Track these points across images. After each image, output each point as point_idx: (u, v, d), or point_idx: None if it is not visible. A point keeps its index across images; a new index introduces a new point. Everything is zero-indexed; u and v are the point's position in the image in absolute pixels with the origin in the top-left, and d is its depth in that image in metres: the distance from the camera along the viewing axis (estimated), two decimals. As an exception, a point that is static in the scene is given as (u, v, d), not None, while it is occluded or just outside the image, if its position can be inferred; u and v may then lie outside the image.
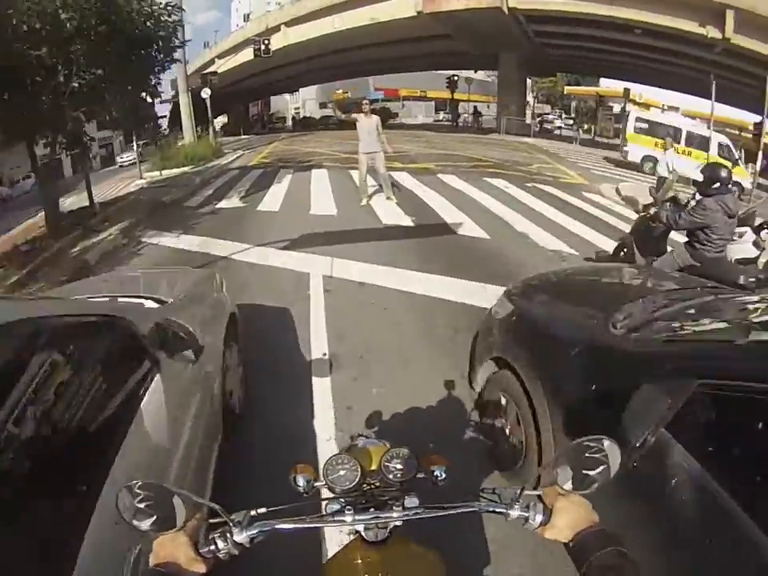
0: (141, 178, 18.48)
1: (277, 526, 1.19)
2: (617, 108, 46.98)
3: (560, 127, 47.91)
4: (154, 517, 1.09)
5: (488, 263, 7.25)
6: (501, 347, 3.42)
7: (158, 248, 8.71)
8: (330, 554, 2.09)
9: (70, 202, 15.28)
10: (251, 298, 5.86)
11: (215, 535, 1.15)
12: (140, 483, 1.10)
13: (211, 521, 1.19)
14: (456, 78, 41.38)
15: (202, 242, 8.60)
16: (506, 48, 34.70)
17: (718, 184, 5.26)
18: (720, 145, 20.36)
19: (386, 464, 1.30)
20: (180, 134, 25.36)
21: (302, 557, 2.12)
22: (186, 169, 19.57)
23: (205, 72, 30.04)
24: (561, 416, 2.54)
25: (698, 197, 5.67)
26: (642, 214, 6.76)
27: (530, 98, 50.72)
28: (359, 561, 1.26)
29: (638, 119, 23.85)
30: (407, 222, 9.40)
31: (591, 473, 1.14)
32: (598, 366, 2.57)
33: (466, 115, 50.19)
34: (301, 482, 1.35)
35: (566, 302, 3.61)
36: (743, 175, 19.90)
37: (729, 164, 11.97)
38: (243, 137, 42.90)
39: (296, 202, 11.30)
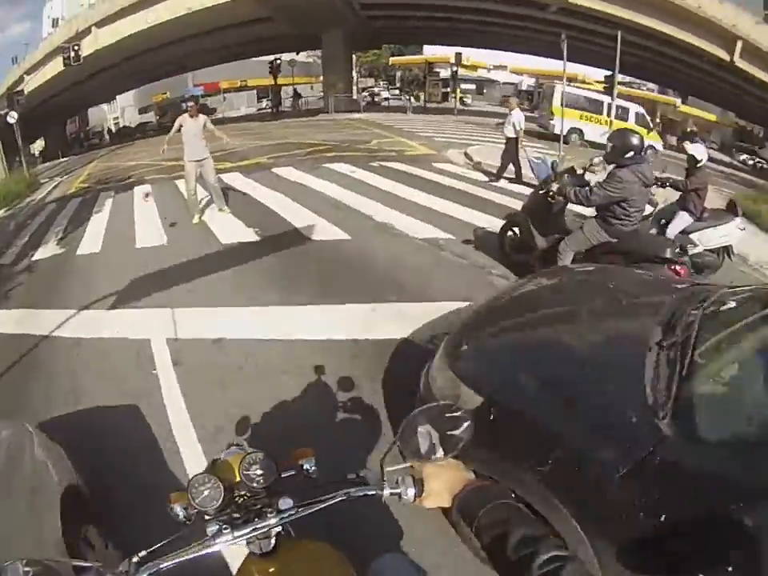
0: None
1: (162, 565, 1.15)
2: (444, 73, 48.64)
3: (387, 99, 48.96)
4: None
5: (360, 271, 6.58)
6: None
7: None
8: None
9: None
10: (86, 399, 4.46)
11: None
12: (25, 561, 1.09)
13: None
14: (279, 61, 40.07)
15: (18, 318, 6.89)
16: (330, 25, 34.17)
17: (631, 153, 4.91)
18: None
19: (245, 472, 1.29)
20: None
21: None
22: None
23: (11, 92, 26.31)
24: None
25: (608, 168, 5.29)
26: (540, 191, 5.96)
27: (353, 73, 50.60)
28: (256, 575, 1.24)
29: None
30: (250, 236, 8.49)
31: (456, 432, 1.18)
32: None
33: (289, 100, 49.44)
34: (179, 510, 1.29)
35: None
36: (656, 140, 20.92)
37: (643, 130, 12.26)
38: (63, 159, 39.64)
39: (119, 235, 9.91)
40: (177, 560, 1.16)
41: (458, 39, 40.25)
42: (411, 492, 1.18)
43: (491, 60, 51.12)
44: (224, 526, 1.20)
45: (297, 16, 32.12)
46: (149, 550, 1.21)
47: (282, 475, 1.34)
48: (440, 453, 1.19)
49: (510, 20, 30.38)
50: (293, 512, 1.23)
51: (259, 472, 1.29)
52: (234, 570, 1.33)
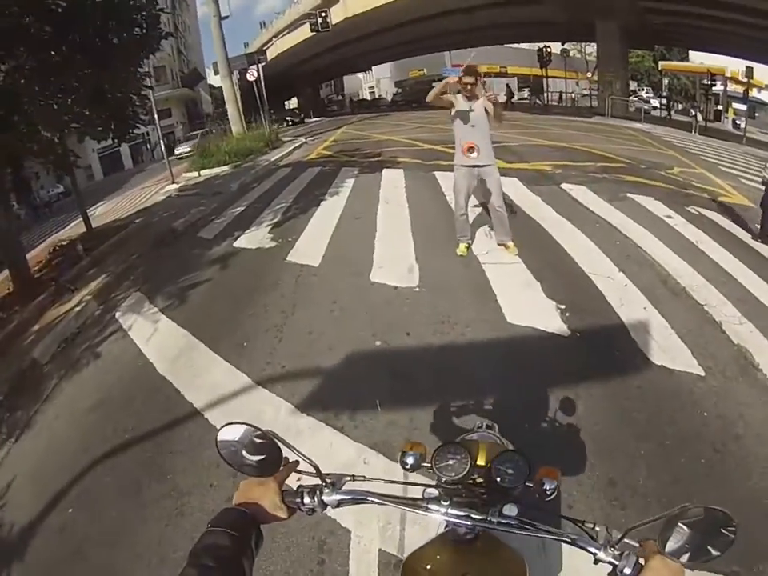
0: (173, 182, 15.54)
1: (369, 497, 1.24)
2: (716, 87, 41.70)
3: (655, 107, 42.39)
4: (253, 458, 1.16)
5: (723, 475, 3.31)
6: None
7: (122, 344, 5.37)
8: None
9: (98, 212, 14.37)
10: None
11: (305, 489, 1.23)
12: (242, 423, 1.17)
13: (304, 473, 1.25)
14: (549, 50, 35.96)
15: (179, 349, 4.96)
16: (603, 14, 29.22)
17: None
18: None
19: (498, 466, 1.26)
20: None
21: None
22: (227, 168, 16.35)
23: (251, 52, 27.19)
24: None
25: None
26: None
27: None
28: (443, 556, 1.27)
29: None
30: (554, 320, 4.97)
31: (710, 548, 1.02)
32: None
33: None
34: (410, 459, 1.32)
35: None
36: None
37: None
38: (313, 119, 40.28)
39: (351, 246, 7.17)
40: (383, 501, 1.24)
41: (737, 48, 33.11)
42: (627, 572, 1.08)
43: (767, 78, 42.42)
44: (444, 498, 1.21)
45: (569, 0, 27.92)
46: (365, 478, 1.29)
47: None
48: (685, 558, 1.02)
49: None
50: (513, 523, 1.17)
51: (510, 471, 1.24)
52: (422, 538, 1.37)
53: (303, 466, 1.25)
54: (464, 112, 5.93)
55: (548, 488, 1.26)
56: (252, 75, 22.68)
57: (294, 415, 3.78)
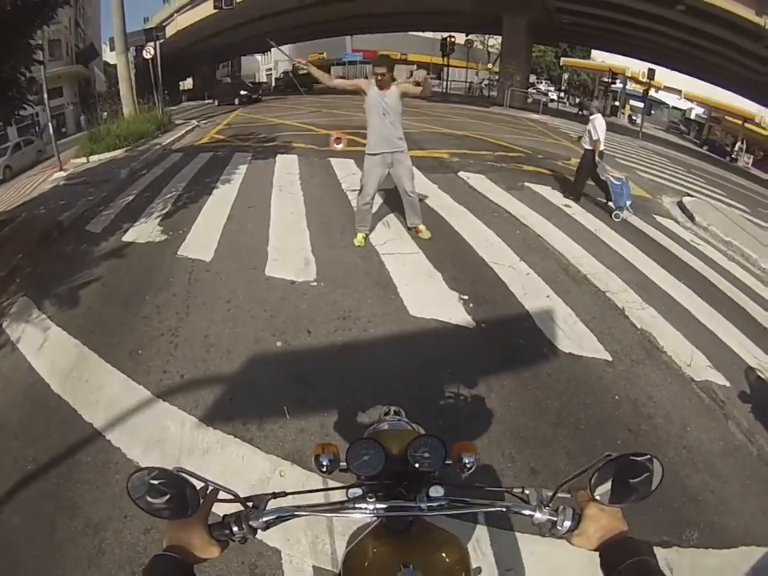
0: (60, 170, 14.28)
1: (295, 512, 1.20)
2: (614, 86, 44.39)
3: (553, 100, 44.73)
4: (167, 501, 1.10)
5: (625, 442, 3.52)
6: None
7: (11, 359, 4.70)
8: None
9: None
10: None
11: (231, 519, 1.17)
12: (152, 468, 1.11)
13: (227, 502, 1.19)
14: (453, 39, 36.37)
15: (71, 361, 4.49)
16: (514, 9, 30.15)
17: None
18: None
19: (413, 453, 1.25)
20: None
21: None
22: (117, 153, 15.29)
23: (149, 27, 26.07)
24: None
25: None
26: None
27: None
28: (381, 549, 1.26)
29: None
30: (458, 311, 4.96)
31: (632, 481, 1.09)
32: None
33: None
34: (324, 461, 1.32)
35: None
36: None
37: None
38: (207, 101, 38.92)
39: (244, 239, 6.85)
40: (309, 513, 1.21)
41: (638, 50, 35.08)
42: (567, 525, 1.13)
43: (668, 80, 45.31)
44: (369, 495, 1.20)
45: None
46: (286, 493, 1.26)
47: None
48: (618, 503, 1.09)
49: (707, 41, 25.07)
50: (443, 503, 1.19)
51: (427, 455, 1.24)
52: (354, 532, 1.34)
53: (222, 494, 1.21)
54: (377, 101, 5.85)
55: (467, 462, 1.30)
56: (149, 53, 21.74)
57: (199, 429, 3.52)
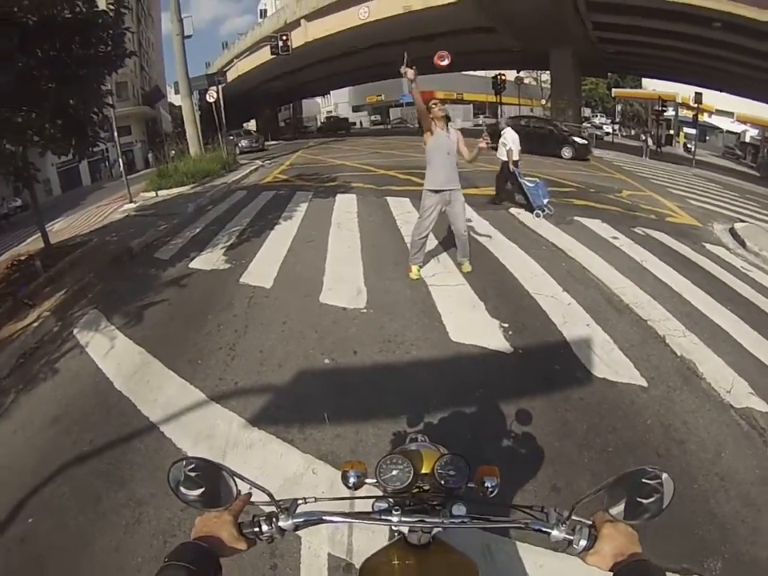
0: (130, 202, 15.26)
1: (324, 517, 1.27)
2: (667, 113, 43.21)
3: (608, 133, 43.98)
4: (201, 493, 1.17)
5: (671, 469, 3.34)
6: None
7: (80, 360, 5.35)
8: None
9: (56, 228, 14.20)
10: None
11: (261, 518, 1.24)
12: (192, 458, 1.19)
13: (257, 502, 1.28)
14: (504, 77, 36.78)
15: (135, 365, 5.02)
16: (558, 43, 30.06)
17: None
18: None
19: (440, 470, 1.32)
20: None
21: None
22: (184, 189, 16.27)
23: (211, 73, 27.12)
24: None
25: None
26: None
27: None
28: (398, 562, 1.28)
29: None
30: (497, 338, 5.13)
31: (644, 501, 1.12)
32: None
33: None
34: (351, 478, 1.38)
35: None
36: None
37: None
38: (272, 143, 40.10)
39: (302, 269, 7.31)
40: (337, 519, 1.28)
41: (685, 74, 34.43)
42: (583, 543, 1.16)
43: (718, 104, 43.69)
44: (395, 508, 1.26)
45: (523, 28, 28.55)
46: (315, 499, 1.31)
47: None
48: (623, 516, 1.12)
49: (749, 57, 24.29)
50: (465, 520, 1.24)
51: (452, 473, 1.31)
52: (376, 546, 1.35)
53: (257, 495, 1.28)
54: (443, 140, 6.26)
55: (489, 485, 1.35)
56: (211, 97, 22.70)
57: (245, 428, 3.85)
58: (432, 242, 7.54)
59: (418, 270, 6.78)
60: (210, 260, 8.06)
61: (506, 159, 10.59)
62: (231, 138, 30.73)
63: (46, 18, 6.43)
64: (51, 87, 6.88)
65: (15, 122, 6.83)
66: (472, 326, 5.37)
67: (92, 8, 7.02)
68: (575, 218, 10.01)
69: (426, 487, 1.36)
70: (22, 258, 9.92)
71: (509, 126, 11.01)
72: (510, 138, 10.49)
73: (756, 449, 3.68)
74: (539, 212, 9.89)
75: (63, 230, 15.13)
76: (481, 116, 53.76)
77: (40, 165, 9.61)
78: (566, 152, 21.35)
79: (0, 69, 6.17)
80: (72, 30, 6.86)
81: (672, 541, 2.76)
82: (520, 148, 10.70)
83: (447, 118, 6.39)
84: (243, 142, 31.91)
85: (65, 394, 4.74)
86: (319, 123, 62.36)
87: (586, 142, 21.32)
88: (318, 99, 74.46)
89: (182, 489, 1.17)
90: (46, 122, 7.22)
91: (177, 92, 22.87)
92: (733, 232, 10.47)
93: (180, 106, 23.79)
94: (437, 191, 6.41)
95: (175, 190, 16.24)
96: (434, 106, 6.26)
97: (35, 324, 6.21)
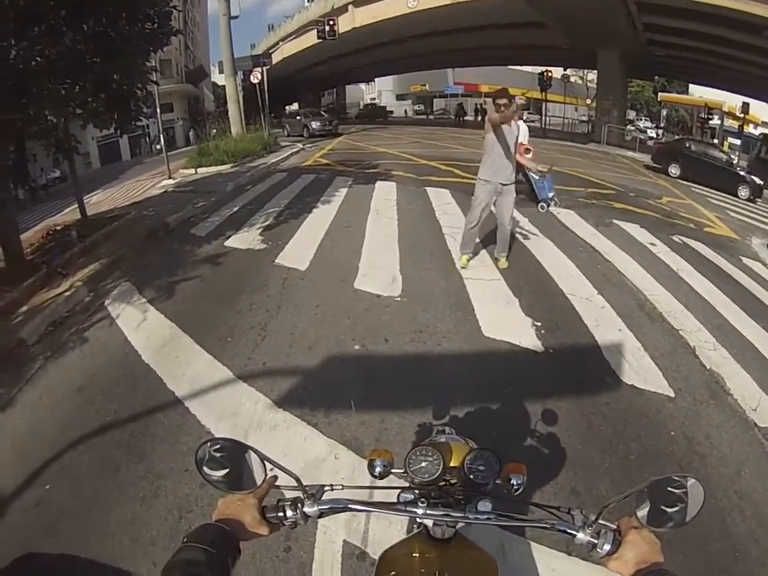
0: (169, 178, 15.51)
1: (349, 505, 1.28)
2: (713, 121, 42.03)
3: (652, 138, 42.56)
4: (225, 474, 1.17)
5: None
6: None
7: (109, 331, 5.47)
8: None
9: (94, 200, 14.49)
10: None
11: (286, 503, 1.24)
12: (219, 439, 1.20)
13: (282, 487, 1.27)
14: (550, 74, 36.18)
15: (164, 339, 5.11)
16: (607, 43, 29.45)
17: None
18: None
19: (470, 464, 1.32)
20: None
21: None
22: (224, 168, 16.41)
23: (256, 54, 27.15)
24: None
25: None
26: None
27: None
28: (418, 555, 1.28)
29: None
30: (529, 336, 5.09)
31: (669, 510, 1.12)
32: None
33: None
34: (378, 467, 1.38)
35: None
36: None
37: None
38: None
39: (338, 254, 7.32)
40: (363, 507, 1.30)
41: (733, 83, 33.42)
42: (606, 548, 1.15)
43: (765, 115, 42.29)
44: (421, 500, 1.25)
45: (573, 25, 27.95)
46: (342, 486, 1.31)
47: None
48: (647, 522, 1.13)
49: None
50: (491, 516, 1.24)
51: (482, 468, 1.31)
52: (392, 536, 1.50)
53: (283, 480, 1.27)
54: (506, 132, 6.25)
55: (515, 483, 1.35)
56: (256, 78, 22.85)
57: (271, 409, 3.89)
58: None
59: (467, 260, 6.81)
60: (246, 239, 8.14)
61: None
62: (298, 117, 30.85)
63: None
64: (96, 62, 7.00)
65: (59, 93, 6.90)
66: (505, 321, 5.35)
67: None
68: (614, 220, 9.87)
69: (453, 481, 1.36)
70: (59, 227, 10.15)
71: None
72: (521, 132, 10.24)
73: (777, 469, 3.66)
74: (544, 204, 10.08)
75: (101, 202, 15.47)
76: (525, 112, 53.19)
77: (81, 137, 9.79)
78: (743, 191, 19.07)
79: (48, 40, 6.29)
80: (119, 6, 6.93)
81: (683, 554, 2.72)
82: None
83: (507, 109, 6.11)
84: (314, 124, 28.38)
85: (92, 363, 4.83)
86: (359, 110, 62.30)
87: (762, 183, 20.03)
88: (362, 86, 74.43)
89: (206, 469, 1.17)
90: (90, 96, 7.32)
91: (221, 71, 23.12)
92: (769, 246, 10.22)
93: (223, 86, 23.94)
94: (489, 181, 6.41)
95: (214, 169, 16.37)
96: (502, 106, 6.00)
97: (67, 293, 6.35)
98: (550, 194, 10.07)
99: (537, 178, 9.94)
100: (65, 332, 5.53)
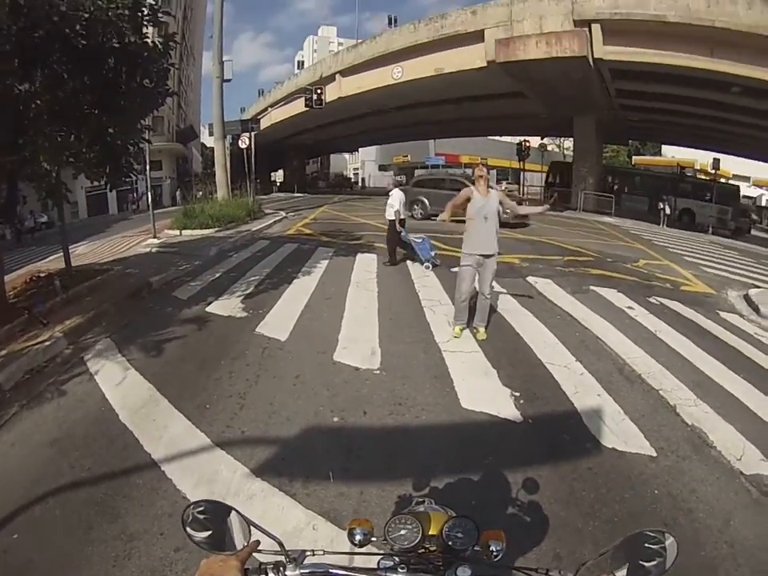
0: (154, 237, 15.87)
1: (330, 570, 1.28)
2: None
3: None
4: (209, 535, 1.21)
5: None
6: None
7: (87, 386, 5.49)
8: None
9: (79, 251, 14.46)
10: None
11: (268, 566, 1.25)
12: (203, 501, 1.24)
13: (264, 550, 1.28)
14: (528, 144, 37.26)
15: (143, 401, 5.11)
16: (583, 110, 30.63)
17: None
18: None
19: (448, 532, 1.33)
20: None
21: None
22: (208, 232, 16.70)
23: (246, 119, 27.69)
24: None
25: None
26: None
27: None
28: None
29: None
30: (508, 406, 5.10)
31: (647, 565, 1.15)
32: None
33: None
34: (358, 535, 1.38)
35: None
36: None
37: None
38: (297, 195, 40.73)
39: (318, 325, 7.36)
40: (344, 573, 1.28)
41: (705, 140, 35.16)
42: None
43: (735, 169, 42.98)
44: (401, 566, 1.28)
45: (551, 94, 28.97)
46: (323, 551, 1.33)
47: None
48: None
49: None
50: None
51: (460, 535, 1.31)
52: None
53: (266, 543, 1.29)
54: (481, 206, 6.52)
55: (494, 549, 1.34)
56: (244, 143, 23.18)
57: (248, 478, 3.84)
58: (448, 307, 7.69)
59: (460, 330, 6.93)
60: (227, 306, 8.19)
61: (393, 218, 11.30)
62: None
63: (96, 44, 6.64)
64: (94, 113, 7.22)
65: (55, 140, 7.06)
66: (483, 393, 5.37)
67: (141, 38, 7.31)
68: (591, 287, 10.05)
69: (433, 548, 1.36)
70: (42, 274, 10.15)
71: (396, 186, 11.80)
72: (397, 199, 11.33)
73: (766, 515, 3.67)
74: (428, 264, 10.95)
75: (86, 254, 15.51)
76: (503, 182, 54.43)
77: (71, 186, 9.87)
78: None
79: (51, 86, 6.55)
80: (119, 59, 7.11)
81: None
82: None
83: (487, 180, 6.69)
84: None
85: (68, 417, 4.80)
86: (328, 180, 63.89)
87: None
88: (347, 155, 75.72)
89: (189, 529, 1.20)
90: (84, 146, 7.51)
91: (211, 133, 23.46)
92: (747, 298, 10.47)
93: (212, 148, 24.47)
94: (471, 254, 6.61)
95: (199, 232, 16.64)
96: (479, 169, 6.81)
97: (47, 342, 6.35)
98: (432, 254, 10.99)
99: (418, 241, 10.92)
100: (42, 382, 5.52)
